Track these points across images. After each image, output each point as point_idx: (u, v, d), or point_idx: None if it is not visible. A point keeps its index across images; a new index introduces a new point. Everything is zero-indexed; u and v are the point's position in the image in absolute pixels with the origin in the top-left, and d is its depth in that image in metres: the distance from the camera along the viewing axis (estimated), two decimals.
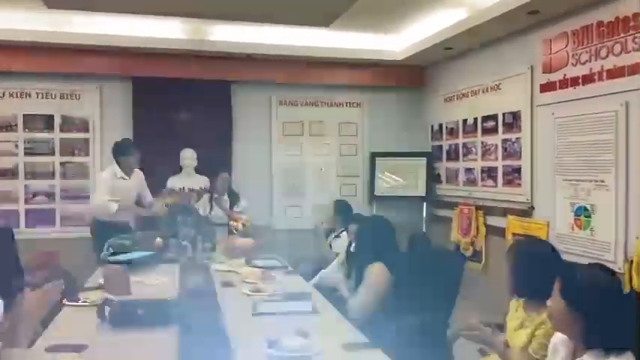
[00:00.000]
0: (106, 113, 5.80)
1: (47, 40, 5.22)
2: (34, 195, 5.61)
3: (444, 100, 6.12)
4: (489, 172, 5.28)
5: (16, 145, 5.55)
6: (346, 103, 6.51)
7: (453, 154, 5.95)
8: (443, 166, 6.16)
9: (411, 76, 6.47)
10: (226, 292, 3.21)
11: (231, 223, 4.39)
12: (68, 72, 5.60)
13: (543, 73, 4.50)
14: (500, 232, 5.06)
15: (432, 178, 6.29)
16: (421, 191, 6.28)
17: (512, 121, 4.93)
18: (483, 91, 5.38)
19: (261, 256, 4.29)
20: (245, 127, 6.17)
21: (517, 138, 4.86)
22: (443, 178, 6.16)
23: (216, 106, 6.02)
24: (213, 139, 6.00)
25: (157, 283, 3.36)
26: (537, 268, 2.12)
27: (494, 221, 5.21)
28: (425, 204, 6.25)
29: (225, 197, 5.23)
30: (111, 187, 4.64)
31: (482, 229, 5.36)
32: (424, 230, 6.15)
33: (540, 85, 4.55)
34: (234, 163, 6.06)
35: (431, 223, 6.31)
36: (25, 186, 5.59)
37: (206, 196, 5.20)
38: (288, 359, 2.06)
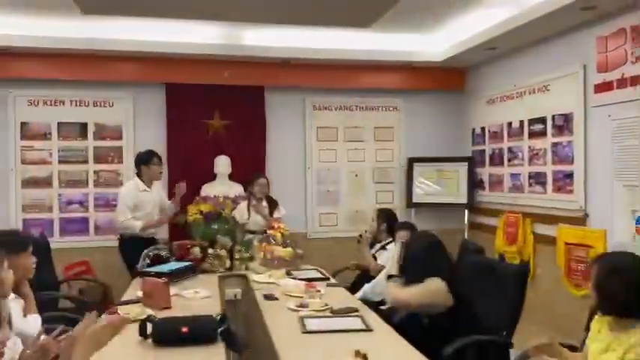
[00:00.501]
0: (140, 121, 5.71)
1: (80, 47, 5.15)
2: (68, 203, 5.54)
3: (486, 103, 5.87)
4: (537, 178, 5.01)
5: (51, 154, 5.50)
6: (382, 107, 6.31)
7: (497, 159, 5.69)
8: (485, 172, 5.90)
9: (451, 78, 6.24)
10: (269, 306, 3.04)
11: (270, 232, 4.21)
12: (101, 80, 5.54)
13: (598, 72, 4.23)
14: (549, 240, 4.79)
15: (474, 184, 6.03)
16: (462, 198, 6.03)
17: (563, 123, 4.66)
18: (530, 93, 5.12)
19: (300, 266, 4.13)
20: (279, 132, 6.02)
21: (569, 141, 4.60)
22: (485, 184, 5.90)
23: (250, 111, 5.89)
24: (247, 146, 5.87)
25: (197, 296, 3.21)
26: (628, 283, 1.89)
27: (543, 229, 4.93)
28: (466, 211, 5.99)
29: (264, 204, 5.07)
30: (135, 201, 4.58)
31: (530, 238, 5.08)
32: (466, 238, 5.89)
33: (595, 85, 4.28)
34: (267, 169, 5.91)
35: (472, 231, 6.06)
36: (59, 195, 5.52)
37: (244, 203, 5.05)
38: None
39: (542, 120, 4.93)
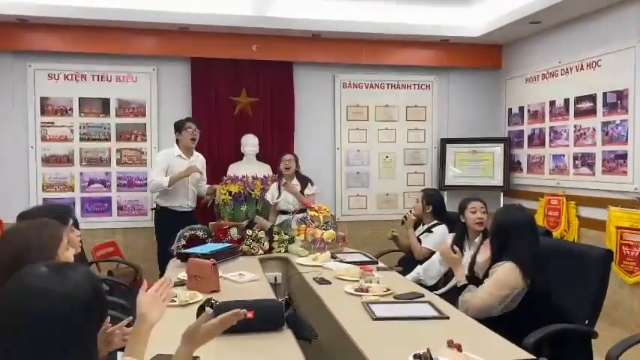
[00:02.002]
0: (164, 96, 5.47)
1: (102, 18, 4.89)
2: (90, 182, 5.32)
3: (526, 81, 5.61)
4: (584, 159, 4.77)
5: (72, 130, 5.27)
6: (415, 85, 6.05)
7: (536, 140, 5.44)
8: (524, 153, 5.66)
9: (488, 55, 5.96)
10: (324, 290, 2.82)
11: (311, 213, 3.99)
12: (124, 53, 5.28)
13: None
14: (597, 224, 4.56)
15: (510, 165, 5.79)
16: (498, 180, 5.79)
17: (616, 101, 4.41)
18: (578, 69, 4.86)
19: (344, 249, 3.92)
20: (307, 111, 5.77)
21: (622, 120, 4.35)
22: (524, 165, 5.66)
23: (278, 88, 5.64)
24: (275, 124, 5.64)
25: (243, 278, 3.00)
26: None
27: (591, 213, 4.70)
28: (502, 194, 5.76)
29: (295, 181, 4.85)
30: (168, 165, 4.55)
31: (575, 222, 4.86)
32: None
33: None
34: (295, 149, 5.66)
35: None
36: (81, 173, 5.30)
37: (274, 185, 4.82)
38: None
39: (592, 98, 4.67)
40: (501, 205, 5.76)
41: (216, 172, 5.16)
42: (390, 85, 5.99)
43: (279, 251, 3.84)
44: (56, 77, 5.22)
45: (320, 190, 5.56)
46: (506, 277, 2.44)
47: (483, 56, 5.96)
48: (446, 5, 5.36)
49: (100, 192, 5.36)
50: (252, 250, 3.75)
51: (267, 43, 5.47)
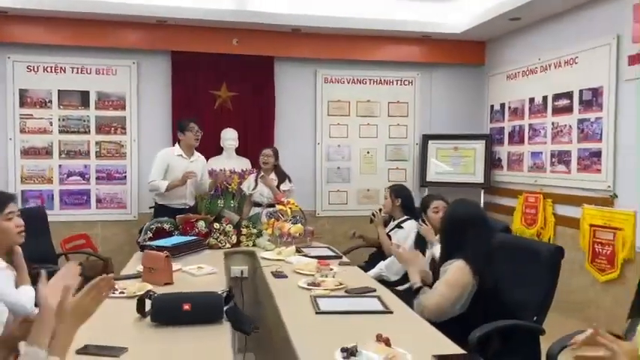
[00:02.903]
0: (144, 90, 5.47)
1: (83, 10, 4.89)
2: (69, 175, 5.33)
3: (507, 78, 5.59)
4: (561, 157, 4.75)
5: (51, 123, 5.27)
6: (397, 80, 6.03)
7: (516, 137, 5.42)
8: (504, 150, 5.64)
9: (471, 52, 5.94)
10: (278, 284, 2.83)
11: (279, 207, 3.99)
12: (104, 46, 5.28)
13: (633, 42, 3.95)
14: (573, 222, 4.55)
15: (491, 162, 5.77)
16: (478, 177, 5.78)
17: (592, 98, 4.39)
18: (556, 66, 4.83)
19: (311, 244, 3.92)
20: (288, 106, 5.76)
21: (597, 118, 4.33)
22: (504, 162, 5.64)
23: (258, 83, 5.63)
24: (255, 119, 5.63)
25: (201, 272, 3.00)
26: None
27: (566, 211, 4.69)
28: (482, 191, 5.74)
29: (272, 176, 4.84)
30: (169, 164, 4.50)
31: (551, 220, 4.84)
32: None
33: (628, 56, 4.00)
34: (276, 144, 5.64)
35: (489, 212, 5.79)
36: (60, 166, 5.31)
37: (252, 176, 4.83)
38: None
39: (569, 95, 4.66)
40: (481, 203, 5.76)
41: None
42: (372, 81, 5.98)
43: (248, 245, 3.84)
44: (35, 69, 5.23)
45: (300, 185, 5.56)
46: (456, 276, 2.42)
47: (466, 53, 5.94)
48: (428, 1, 5.34)
49: (79, 184, 5.37)
50: (220, 244, 3.75)
51: (248, 38, 5.46)
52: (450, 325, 2.39)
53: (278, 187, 4.80)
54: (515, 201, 5.30)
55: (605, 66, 4.21)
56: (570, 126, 4.62)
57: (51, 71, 5.26)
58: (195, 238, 3.60)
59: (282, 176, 4.88)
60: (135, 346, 1.88)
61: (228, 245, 3.77)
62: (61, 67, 5.28)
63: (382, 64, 5.93)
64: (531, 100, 5.17)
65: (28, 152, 5.23)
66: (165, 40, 5.36)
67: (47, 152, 5.27)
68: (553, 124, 4.85)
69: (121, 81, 5.40)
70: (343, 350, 1.77)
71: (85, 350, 1.81)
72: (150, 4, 5.01)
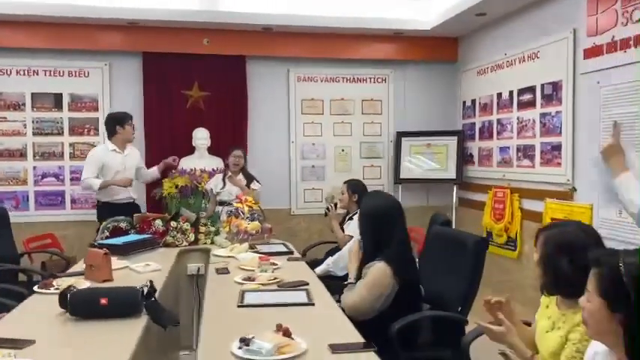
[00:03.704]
0: (116, 91, 5.53)
1: (54, 14, 4.96)
2: (43, 176, 5.41)
3: (477, 74, 5.60)
4: (526, 151, 4.76)
5: (25, 125, 5.35)
6: (371, 78, 6.06)
7: (486, 132, 5.44)
8: (475, 146, 5.65)
9: (443, 48, 5.96)
10: (218, 280, 2.88)
11: (236, 205, 4.03)
12: (76, 48, 5.35)
13: (588, 36, 3.95)
14: (538, 216, 4.55)
15: (464, 158, 5.79)
16: (451, 173, 5.79)
17: (552, 92, 4.40)
18: (520, 61, 4.84)
19: (270, 241, 3.96)
20: (261, 105, 5.81)
21: (557, 112, 4.33)
22: (475, 158, 5.66)
23: (230, 82, 5.67)
24: (228, 118, 5.68)
25: (146, 269, 3.05)
26: (572, 258, 1.67)
27: (531, 205, 4.69)
28: (455, 187, 5.76)
29: (240, 176, 4.87)
30: (104, 162, 4.45)
31: (518, 214, 4.85)
32: (453, 215, 5.68)
33: (584, 50, 4.00)
34: (249, 143, 5.72)
35: (462, 207, 5.83)
36: (34, 167, 5.39)
37: (219, 175, 4.87)
38: None
39: (532, 89, 4.66)
40: (454, 199, 5.78)
41: (168, 167, 5.22)
42: (345, 79, 6.01)
43: (206, 243, 3.89)
44: (8, 72, 5.31)
45: (275, 183, 5.64)
46: (375, 278, 2.44)
47: (438, 49, 5.95)
48: None
49: (54, 185, 5.44)
50: (177, 242, 3.80)
51: (218, 37, 5.52)
52: (374, 320, 2.43)
53: (248, 186, 4.81)
54: (486, 196, 5.31)
55: (564, 60, 4.22)
56: (534, 120, 4.63)
57: (24, 74, 5.34)
58: (148, 236, 3.65)
59: (250, 178, 4.90)
60: (45, 339, 1.93)
61: (185, 243, 3.81)
62: (34, 70, 5.36)
63: (355, 62, 5.96)
64: (499, 95, 5.18)
65: (2, 154, 5.31)
66: (137, 41, 5.42)
67: (21, 154, 5.36)
68: (518, 118, 4.86)
69: (94, 83, 5.47)
70: (241, 340, 1.81)
71: None
72: (121, 7, 5.07)
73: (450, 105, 6.06)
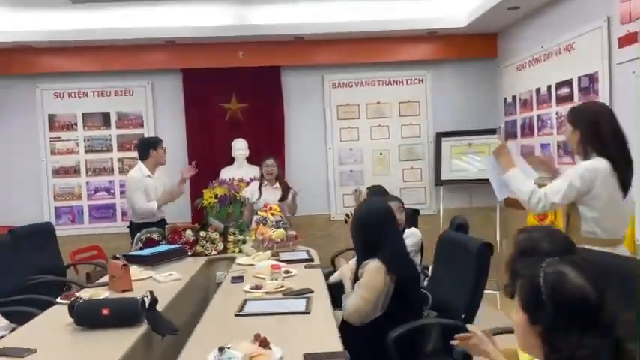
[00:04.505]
0: (159, 107, 5.81)
1: (99, 38, 5.28)
2: (96, 191, 5.76)
3: (516, 69, 5.39)
4: (565, 147, 4.53)
5: (77, 144, 5.72)
6: (407, 80, 5.98)
7: (527, 129, 5.22)
8: (518, 144, 5.43)
9: (479, 45, 5.79)
10: (230, 288, 2.96)
11: (261, 213, 4.11)
12: (121, 69, 5.67)
13: (622, 23, 3.72)
14: None
15: None
16: None
17: (589, 84, 4.16)
18: (556, 54, 4.62)
19: (295, 248, 4.01)
20: (297, 113, 5.89)
21: None
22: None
23: (266, 92, 5.80)
24: (265, 128, 5.81)
25: (167, 279, 3.19)
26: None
27: None
28: None
29: (276, 185, 4.96)
30: (145, 186, 4.56)
31: (561, 214, 4.62)
32: (497, 216, 5.50)
33: (618, 39, 3.77)
34: (287, 151, 5.82)
35: (507, 209, 5.62)
36: (87, 182, 5.75)
37: (254, 184, 4.98)
38: None
39: (569, 83, 4.44)
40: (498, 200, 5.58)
41: (209, 177, 5.39)
42: (381, 82, 5.97)
43: (234, 251, 3.99)
44: (61, 95, 5.70)
45: (314, 189, 5.72)
46: (371, 277, 2.43)
47: (477, 46, 5.79)
48: None
49: (105, 199, 5.78)
50: (206, 251, 3.93)
51: (252, 50, 5.65)
52: (373, 326, 2.42)
53: (284, 198, 4.85)
54: None
55: (598, 50, 3.98)
56: None
57: (75, 96, 5.72)
58: (175, 246, 3.80)
59: (286, 186, 4.97)
60: (46, 347, 2.07)
61: (214, 252, 3.94)
62: (83, 92, 5.72)
63: (390, 65, 5.91)
64: (537, 90, 4.96)
65: (58, 172, 5.71)
66: (175, 58, 5.67)
67: (75, 171, 5.73)
68: (557, 113, 4.64)
69: (138, 101, 5.77)
70: (219, 349, 1.86)
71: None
72: (159, 27, 5.32)
73: (490, 103, 5.87)
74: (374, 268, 2.43)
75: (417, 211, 4.65)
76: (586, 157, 2.49)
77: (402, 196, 5.86)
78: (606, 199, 2.37)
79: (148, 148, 4.70)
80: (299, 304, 2.49)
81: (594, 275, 1.16)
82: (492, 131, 5.68)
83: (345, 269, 2.78)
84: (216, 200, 5.18)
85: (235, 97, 5.78)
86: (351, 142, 5.96)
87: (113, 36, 5.31)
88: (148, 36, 5.35)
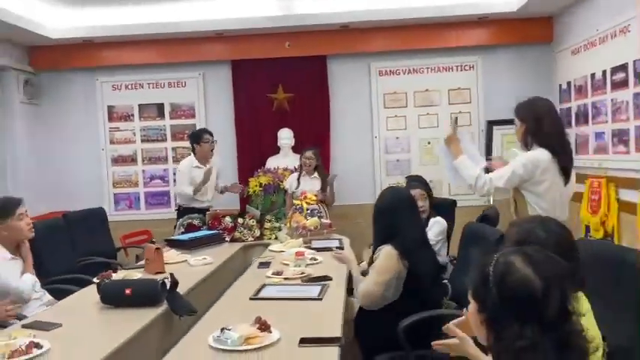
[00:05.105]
0: (209, 98, 5.98)
1: (153, 32, 5.50)
2: (151, 179, 6.04)
3: (571, 53, 5.12)
4: (620, 136, 4.27)
5: (134, 133, 6.02)
6: (456, 67, 5.83)
7: (581, 117, 4.96)
8: (572, 132, 5.17)
9: (533, 29, 5.53)
10: (255, 273, 3.04)
11: (296, 202, 4.17)
12: (173, 61, 5.88)
13: None
14: (634, 208, 4.07)
15: None
16: None
17: None
18: (611, 37, 4.35)
19: (330, 236, 4.05)
20: (343, 101, 5.88)
21: None
22: (573, 145, 5.15)
23: (312, 82, 5.83)
24: (311, 117, 5.85)
25: (198, 262, 3.32)
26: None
27: (628, 196, 4.21)
28: None
29: (315, 174, 5.01)
30: (188, 177, 4.75)
31: (615, 206, 4.37)
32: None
33: None
34: (332, 140, 5.84)
35: None
36: (143, 171, 6.03)
37: (294, 174, 5.06)
38: (224, 350, 1.81)
39: (624, 67, 4.17)
40: None
41: (255, 166, 5.55)
42: (429, 69, 5.86)
43: (270, 238, 4.09)
44: (119, 88, 6.00)
45: (359, 179, 5.73)
46: (384, 262, 2.44)
47: (530, 30, 5.54)
48: None
49: (160, 187, 6.05)
50: (243, 237, 4.05)
51: (299, 40, 5.70)
52: (386, 315, 2.42)
53: (324, 186, 4.89)
54: (584, 187, 4.85)
55: None
56: (627, 102, 4.14)
57: (132, 88, 6.01)
58: (213, 232, 3.94)
59: (324, 176, 5.01)
60: (71, 323, 2.23)
61: (250, 239, 4.05)
62: (139, 84, 6.00)
63: (439, 51, 5.78)
64: (592, 75, 4.70)
65: (117, 160, 6.03)
66: (225, 50, 5.82)
67: (132, 159, 6.03)
68: (612, 100, 4.38)
69: (190, 92, 5.97)
70: (221, 330, 1.94)
71: (28, 325, 2.20)
72: (209, 19, 5.48)
73: (544, 89, 5.52)
74: (386, 253, 2.44)
75: (454, 202, 4.54)
76: (529, 148, 2.75)
77: (449, 186, 5.81)
78: (547, 185, 2.61)
79: (192, 142, 4.92)
80: (314, 290, 2.53)
81: (546, 269, 1.13)
82: None
83: (348, 253, 2.80)
84: (260, 189, 5.33)
85: (282, 87, 5.86)
86: (397, 130, 5.90)
87: (167, 30, 5.53)
88: (199, 29, 5.52)
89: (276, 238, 4.06)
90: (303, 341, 1.86)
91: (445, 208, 3.96)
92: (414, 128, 5.89)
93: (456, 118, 3.06)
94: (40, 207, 5.46)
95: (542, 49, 5.63)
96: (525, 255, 1.16)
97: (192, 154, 4.94)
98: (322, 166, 5.12)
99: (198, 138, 4.84)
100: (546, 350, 1.08)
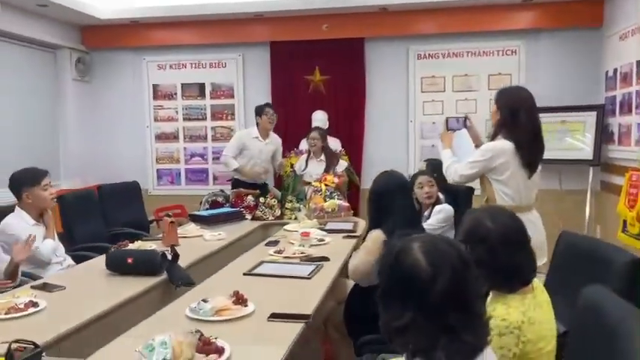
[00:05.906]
0: (248, 79, 6.11)
1: (197, 13, 5.66)
2: (192, 156, 6.26)
3: (619, 39, 4.85)
4: None
5: (176, 112, 6.24)
6: (497, 51, 5.65)
7: (626, 107, 4.71)
8: (616, 122, 4.93)
9: (581, 13, 5.27)
10: (260, 250, 3.14)
11: (314, 184, 4.22)
12: (215, 42, 6.04)
13: None
14: None
15: (604, 136, 5.09)
16: (587, 153, 5.15)
17: None
18: None
19: (348, 219, 4.08)
20: (380, 85, 5.85)
21: None
22: (615, 136, 4.94)
23: (349, 65, 5.83)
24: (347, 100, 5.86)
25: (212, 237, 3.45)
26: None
27: None
28: (591, 169, 5.11)
29: (322, 157, 5.02)
30: (243, 144, 4.99)
31: None
32: (587, 201, 5.08)
33: None
34: (367, 123, 5.84)
35: (602, 192, 5.17)
36: (184, 148, 6.27)
37: (302, 157, 5.12)
38: (198, 320, 1.92)
39: None
40: (589, 182, 5.16)
41: (291, 148, 5.65)
42: (469, 53, 5.71)
43: (290, 218, 4.17)
44: (164, 67, 6.23)
45: (393, 163, 5.62)
46: (369, 243, 2.46)
47: (578, 14, 5.28)
48: None
49: (199, 164, 6.27)
50: (264, 216, 4.15)
51: (336, 22, 5.70)
52: (373, 296, 2.45)
53: (329, 168, 4.92)
54: (623, 180, 4.63)
55: None
56: None
57: (175, 68, 6.22)
58: (234, 210, 4.07)
59: (332, 157, 5.02)
60: (75, 286, 2.41)
61: (271, 218, 4.15)
62: (182, 64, 6.20)
63: (480, 35, 5.62)
64: (638, 63, 4.44)
65: (160, 137, 6.29)
66: (264, 31, 5.91)
67: (174, 137, 6.27)
68: None
69: (230, 72, 6.12)
70: (202, 301, 2.04)
71: (36, 286, 2.39)
72: (248, 1, 5.58)
73: (590, 77, 5.35)
74: (374, 235, 2.46)
75: (471, 189, 4.44)
76: (493, 138, 2.85)
77: None
78: (508, 173, 2.73)
79: (255, 114, 5.12)
80: (306, 270, 2.59)
81: (438, 257, 1.15)
82: (589, 107, 5.20)
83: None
84: (291, 169, 5.43)
85: (319, 69, 5.89)
86: (434, 115, 5.81)
87: (208, 11, 5.67)
88: (239, 10, 5.63)
89: (295, 218, 4.14)
90: (273, 316, 1.94)
91: (462, 195, 3.89)
92: (452, 113, 5.74)
93: (467, 117, 3.23)
94: (89, 179, 5.82)
95: (590, 34, 5.36)
96: (424, 243, 1.18)
97: (254, 126, 5.13)
98: (329, 147, 5.14)
99: (261, 111, 5.02)
100: (426, 335, 1.11)
